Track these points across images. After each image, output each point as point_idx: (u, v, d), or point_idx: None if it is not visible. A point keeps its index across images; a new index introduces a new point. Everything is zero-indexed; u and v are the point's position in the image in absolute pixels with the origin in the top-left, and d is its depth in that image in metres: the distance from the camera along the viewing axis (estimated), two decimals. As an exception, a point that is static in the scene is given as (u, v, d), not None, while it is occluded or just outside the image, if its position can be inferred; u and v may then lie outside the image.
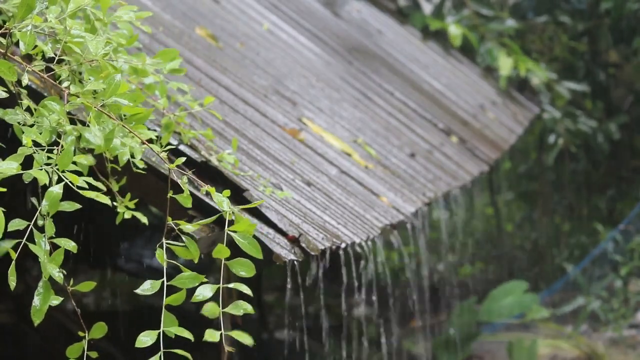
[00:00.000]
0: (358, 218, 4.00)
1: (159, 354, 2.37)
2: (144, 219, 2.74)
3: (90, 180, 2.40)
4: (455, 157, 6.04)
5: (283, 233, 3.26)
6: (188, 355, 2.37)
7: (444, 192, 5.27)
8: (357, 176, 4.52)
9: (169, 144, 3.10)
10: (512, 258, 10.04)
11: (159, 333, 2.37)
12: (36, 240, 2.34)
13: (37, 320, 2.35)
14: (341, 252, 3.58)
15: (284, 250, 3.16)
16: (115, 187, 2.84)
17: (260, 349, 6.78)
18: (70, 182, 2.32)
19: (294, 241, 3.24)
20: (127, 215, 2.78)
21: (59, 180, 2.32)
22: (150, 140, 2.68)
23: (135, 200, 2.85)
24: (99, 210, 3.01)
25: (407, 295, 5.49)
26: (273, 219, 3.27)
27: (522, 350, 7.10)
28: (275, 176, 3.79)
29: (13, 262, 2.29)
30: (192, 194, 2.62)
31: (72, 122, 2.49)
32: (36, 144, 2.41)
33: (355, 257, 3.79)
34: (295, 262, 3.19)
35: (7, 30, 2.53)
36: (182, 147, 3.26)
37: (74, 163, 2.37)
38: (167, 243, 2.48)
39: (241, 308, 2.42)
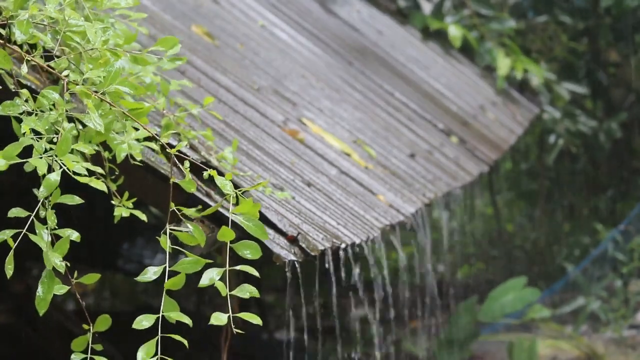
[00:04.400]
0: (358, 218, 4.00)
1: (157, 338, 2.36)
2: (143, 217, 2.74)
3: (89, 165, 2.39)
4: (455, 157, 6.04)
5: (283, 233, 3.27)
6: (184, 341, 2.37)
7: (444, 192, 5.27)
8: (357, 176, 4.52)
9: (168, 143, 3.09)
10: (512, 258, 10.04)
11: (158, 318, 2.36)
12: (37, 231, 2.34)
13: (42, 310, 2.35)
14: (341, 252, 3.59)
15: (283, 251, 3.16)
16: (113, 187, 2.84)
17: (260, 349, 6.78)
18: (67, 168, 2.31)
19: (293, 241, 3.25)
20: (126, 214, 2.77)
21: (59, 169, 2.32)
22: (150, 138, 2.67)
23: (134, 199, 2.85)
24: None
25: (407, 295, 5.49)
26: (273, 219, 3.27)
27: (522, 351, 7.10)
28: (275, 177, 3.79)
29: (12, 251, 2.29)
30: (192, 196, 2.62)
31: (71, 119, 2.48)
32: (36, 135, 2.40)
33: (355, 258, 3.79)
34: (295, 262, 3.19)
35: (5, 21, 2.52)
36: (181, 148, 3.25)
37: (72, 152, 2.36)
38: (170, 229, 2.47)
39: (247, 291, 2.42)
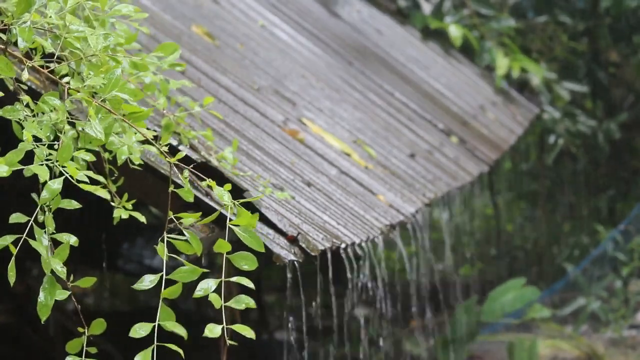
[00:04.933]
0: (358, 218, 4.00)
1: (152, 347, 2.36)
2: (142, 218, 2.74)
3: (90, 173, 2.39)
4: (455, 157, 6.04)
5: (283, 233, 3.27)
6: (180, 350, 2.37)
7: (444, 192, 5.27)
8: (357, 177, 4.52)
9: (169, 144, 3.09)
10: (512, 258, 10.04)
11: (154, 326, 2.36)
12: (36, 236, 2.34)
13: (44, 316, 2.35)
14: (342, 252, 3.59)
15: (283, 251, 3.16)
16: (113, 188, 2.83)
17: (260, 349, 6.78)
18: (70, 175, 2.32)
19: (293, 241, 3.25)
20: (125, 216, 2.77)
21: (60, 175, 2.32)
22: (150, 142, 2.67)
23: (133, 201, 2.85)
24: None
25: (407, 295, 5.49)
26: (273, 219, 3.27)
27: (522, 351, 7.10)
28: (275, 177, 3.79)
29: (13, 257, 2.29)
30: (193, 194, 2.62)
31: (71, 123, 2.48)
32: (37, 140, 2.40)
33: (356, 258, 3.79)
34: (295, 262, 3.19)
35: (7, 27, 2.52)
36: (181, 148, 3.25)
37: (72, 159, 2.37)
38: (168, 237, 2.47)
39: (243, 302, 2.42)
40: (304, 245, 3.26)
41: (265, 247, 3.07)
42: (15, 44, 2.51)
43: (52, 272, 2.35)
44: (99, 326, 2.50)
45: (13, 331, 6.20)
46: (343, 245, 3.57)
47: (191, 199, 2.59)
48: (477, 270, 9.72)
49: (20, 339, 6.19)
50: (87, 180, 2.36)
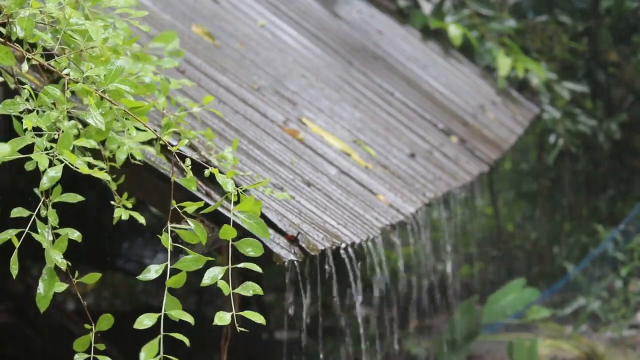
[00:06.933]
0: (358, 218, 4.00)
1: (159, 337, 2.35)
2: (142, 219, 2.74)
3: (90, 159, 2.39)
4: (455, 157, 6.04)
5: (283, 233, 3.26)
6: (186, 339, 2.36)
7: (444, 192, 5.27)
8: (357, 176, 4.51)
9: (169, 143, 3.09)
10: (512, 258, 10.04)
11: (160, 317, 2.35)
12: (39, 230, 2.33)
13: (43, 307, 2.34)
14: (342, 252, 3.58)
15: (283, 251, 3.15)
16: (113, 187, 2.83)
17: (260, 349, 6.78)
18: (69, 162, 2.31)
19: (293, 241, 3.25)
20: (125, 217, 2.77)
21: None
22: (150, 142, 2.67)
23: (133, 200, 2.84)
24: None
25: (407, 295, 5.49)
26: (273, 219, 3.27)
27: (522, 351, 7.10)
28: (275, 176, 3.79)
29: (16, 250, 2.29)
30: (192, 195, 2.62)
31: (72, 118, 2.48)
32: (38, 136, 2.39)
33: (355, 258, 3.79)
34: (295, 262, 3.18)
35: (7, 19, 2.52)
36: (181, 148, 3.25)
37: (72, 151, 2.36)
38: (172, 227, 2.47)
39: (250, 289, 2.42)
40: (304, 245, 3.26)
41: (266, 246, 3.07)
42: (16, 41, 2.51)
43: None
44: (106, 322, 2.48)
45: (13, 331, 6.20)
46: (343, 245, 3.57)
47: (194, 187, 2.58)
48: (477, 270, 9.73)
49: (20, 339, 6.19)
50: (86, 166, 2.35)
